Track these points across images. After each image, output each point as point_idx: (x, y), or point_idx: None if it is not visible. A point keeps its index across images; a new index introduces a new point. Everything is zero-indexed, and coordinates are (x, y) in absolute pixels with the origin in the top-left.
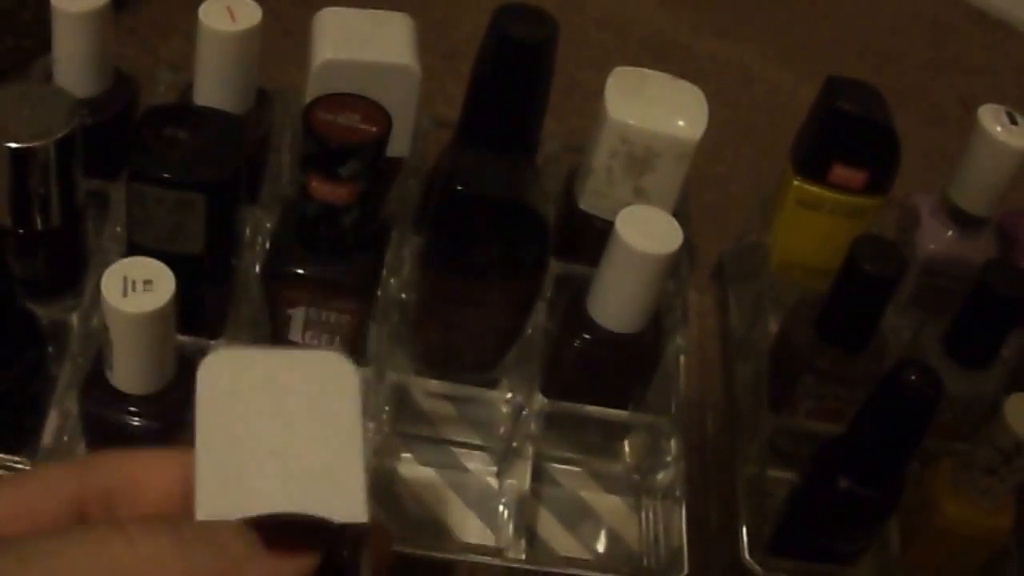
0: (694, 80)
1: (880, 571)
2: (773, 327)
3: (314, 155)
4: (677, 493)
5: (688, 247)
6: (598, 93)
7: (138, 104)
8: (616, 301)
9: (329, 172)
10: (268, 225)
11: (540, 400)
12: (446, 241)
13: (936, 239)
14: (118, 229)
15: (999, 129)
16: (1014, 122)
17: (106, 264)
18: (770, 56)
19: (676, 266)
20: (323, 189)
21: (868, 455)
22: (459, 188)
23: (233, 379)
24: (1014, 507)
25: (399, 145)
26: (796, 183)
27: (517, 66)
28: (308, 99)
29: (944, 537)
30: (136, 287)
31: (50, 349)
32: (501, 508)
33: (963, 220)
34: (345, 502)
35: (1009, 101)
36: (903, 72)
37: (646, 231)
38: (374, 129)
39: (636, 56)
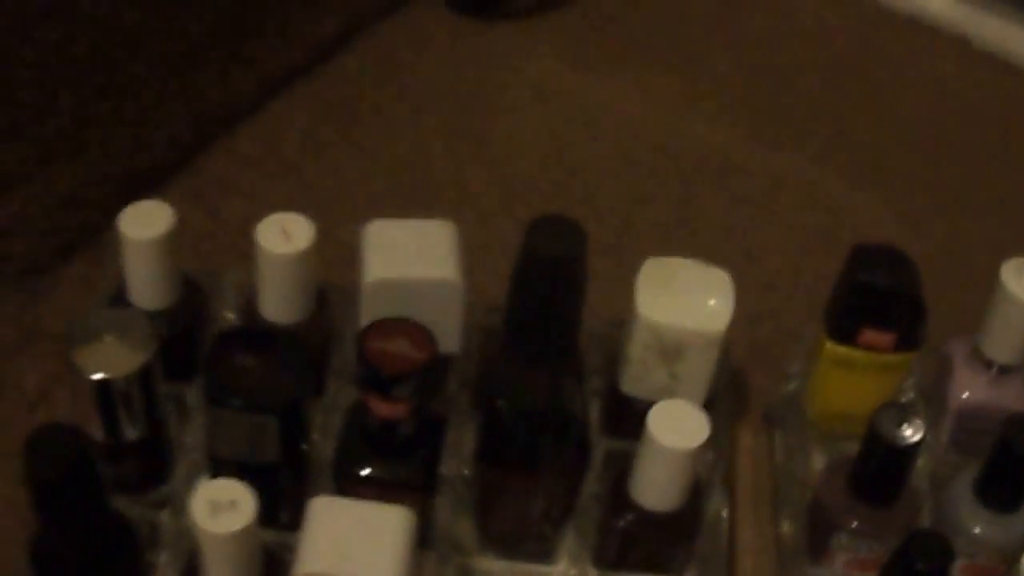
0: (752, 203)
1: None
2: (816, 471)
3: (369, 380)
4: None
5: (728, 404)
6: (656, 225)
7: (207, 310)
8: (652, 485)
9: (383, 395)
10: (337, 415)
11: (592, 573)
12: (493, 445)
13: (970, 387)
14: (199, 421)
15: (1022, 285)
16: None
17: (189, 460)
18: (831, 167)
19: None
20: (380, 407)
21: None
22: (501, 403)
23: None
24: None
25: (448, 344)
26: (829, 346)
27: (548, 280)
28: (362, 313)
29: None
30: (222, 509)
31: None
32: None
33: (996, 368)
34: None
35: None
36: (967, 165)
37: (676, 426)
38: (422, 355)
39: (690, 181)
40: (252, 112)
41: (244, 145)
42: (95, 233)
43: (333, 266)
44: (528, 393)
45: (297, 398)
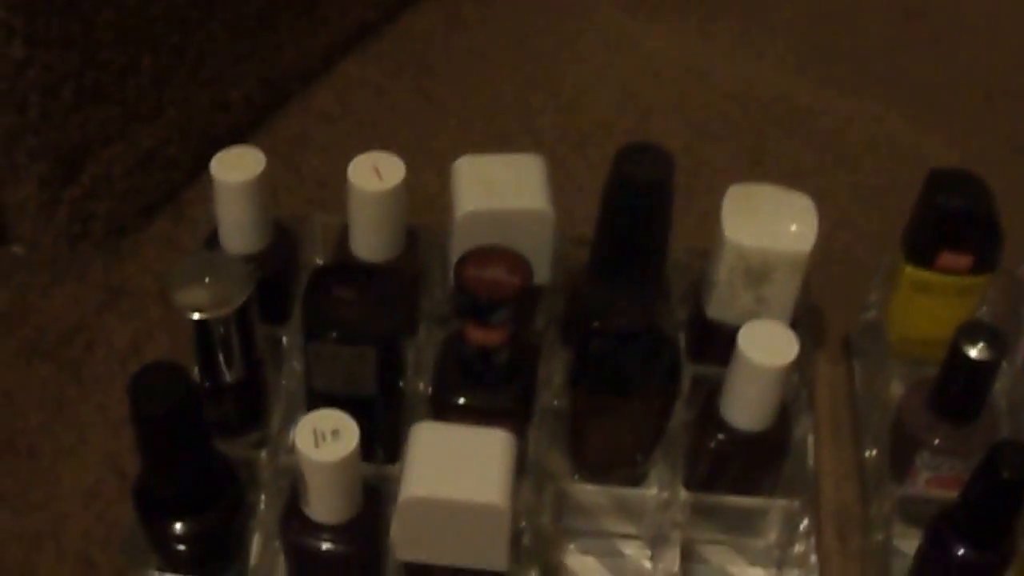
0: (819, 145)
1: None
2: (896, 397)
3: (467, 307)
4: (812, 563)
5: (809, 334)
6: (726, 168)
7: (298, 254)
8: (744, 405)
9: (481, 322)
10: (429, 353)
11: (683, 494)
12: (587, 369)
13: None
14: (295, 363)
15: None
16: None
17: (285, 402)
18: (895, 109)
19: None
20: (477, 335)
21: (978, 524)
22: (596, 326)
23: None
24: None
25: (539, 275)
26: (908, 270)
27: (638, 204)
28: (455, 246)
29: None
30: (325, 437)
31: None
32: None
33: None
34: None
35: None
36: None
37: (766, 345)
38: (517, 281)
39: (760, 125)
40: (326, 70)
41: (319, 103)
42: (176, 192)
43: (411, 215)
44: (621, 316)
45: (395, 329)
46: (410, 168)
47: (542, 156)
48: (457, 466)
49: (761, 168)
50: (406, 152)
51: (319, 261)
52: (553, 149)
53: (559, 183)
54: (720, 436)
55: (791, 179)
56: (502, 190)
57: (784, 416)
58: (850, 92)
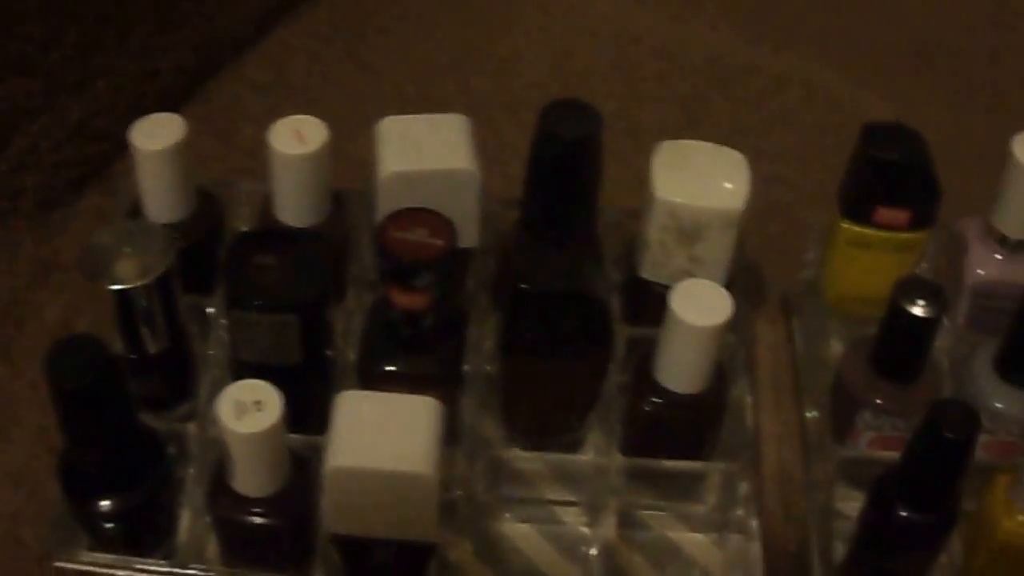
0: (754, 101)
1: None
2: (837, 356)
3: (390, 270)
4: (752, 527)
5: (745, 294)
6: (663, 128)
7: (224, 221)
8: (677, 367)
9: (405, 284)
10: (358, 319)
11: (619, 459)
12: (518, 331)
13: (984, 264)
14: (221, 333)
15: None
16: None
17: (213, 372)
18: (831, 66)
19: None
20: (402, 299)
21: (920, 485)
22: (524, 287)
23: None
24: None
25: (467, 237)
26: (844, 226)
27: (565, 162)
28: (379, 208)
29: (1004, 550)
30: (248, 409)
31: (171, 450)
32: (593, 556)
33: (1010, 244)
34: None
35: None
36: (964, 65)
37: (698, 305)
38: (441, 243)
39: (695, 85)
40: (258, 38)
41: (251, 71)
42: (107, 164)
43: (343, 181)
44: (549, 277)
45: (318, 296)
46: (344, 134)
47: (467, 116)
48: (382, 435)
49: (698, 128)
50: (340, 118)
51: (245, 228)
52: (488, 113)
53: (494, 146)
54: (654, 399)
55: (729, 138)
56: (426, 151)
57: (720, 378)
58: (786, 49)
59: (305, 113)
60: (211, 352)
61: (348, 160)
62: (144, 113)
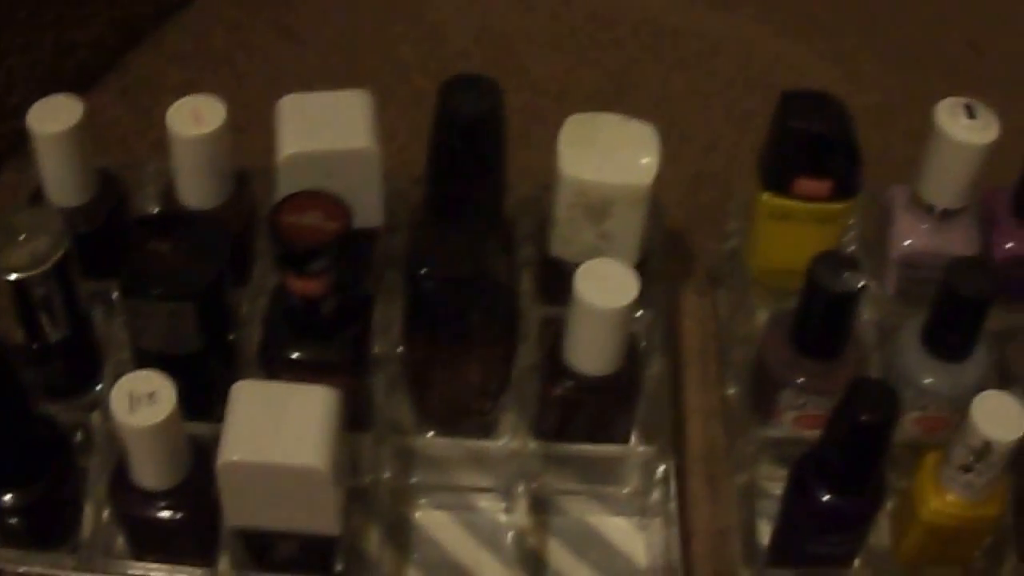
0: (688, 64)
1: (876, 565)
2: (761, 327)
3: (283, 257)
4: (671, 511)
5: (668, 266)
6: (594, 93)
7: (127, 203)
8: (586, 349)
9: (300, 270)
10: (263, 301)
11: (532, 444)
12: (418, 318)
13: (911, 234)
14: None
15: (957, 126)
16: (972, 116)
17: (118, 359)
18: (768, 28)
19: (649, 300)
20: (298, 285)
21: (839, 468)
22: (422, 273)
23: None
24: (1011, 491)
25: (371, 218)
26: (765, 197)
27: (463, 139)
28: (278, 189)
29: (932, 529)
30: (141, 401)
31: (77, 436)
32: (510, 543)
33: (937, 213)
34: None
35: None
36: (904, 23)
37: (604, 285)
38: (335, 226)
39: (631, 50)
40: (179, 8)
41: (172, 41)
42: (24, 141)
43: (269, 153)
44: (449, 261)
45: (214, 282)
46: (268, 104)
47: (368, 92)
48: (275, 427)
49: (630, 94)
50: (263, 88)
51: (151, 210)
52: (415, 82)
53: (421, 117)
54: (566, 383)
55: (661, 103)
56: (325, 130)
57: (633, 357)
58: (721, 9)
59: (228, 85)
60: (116, 338)
61: (271, 133)
62: (61, 89)
